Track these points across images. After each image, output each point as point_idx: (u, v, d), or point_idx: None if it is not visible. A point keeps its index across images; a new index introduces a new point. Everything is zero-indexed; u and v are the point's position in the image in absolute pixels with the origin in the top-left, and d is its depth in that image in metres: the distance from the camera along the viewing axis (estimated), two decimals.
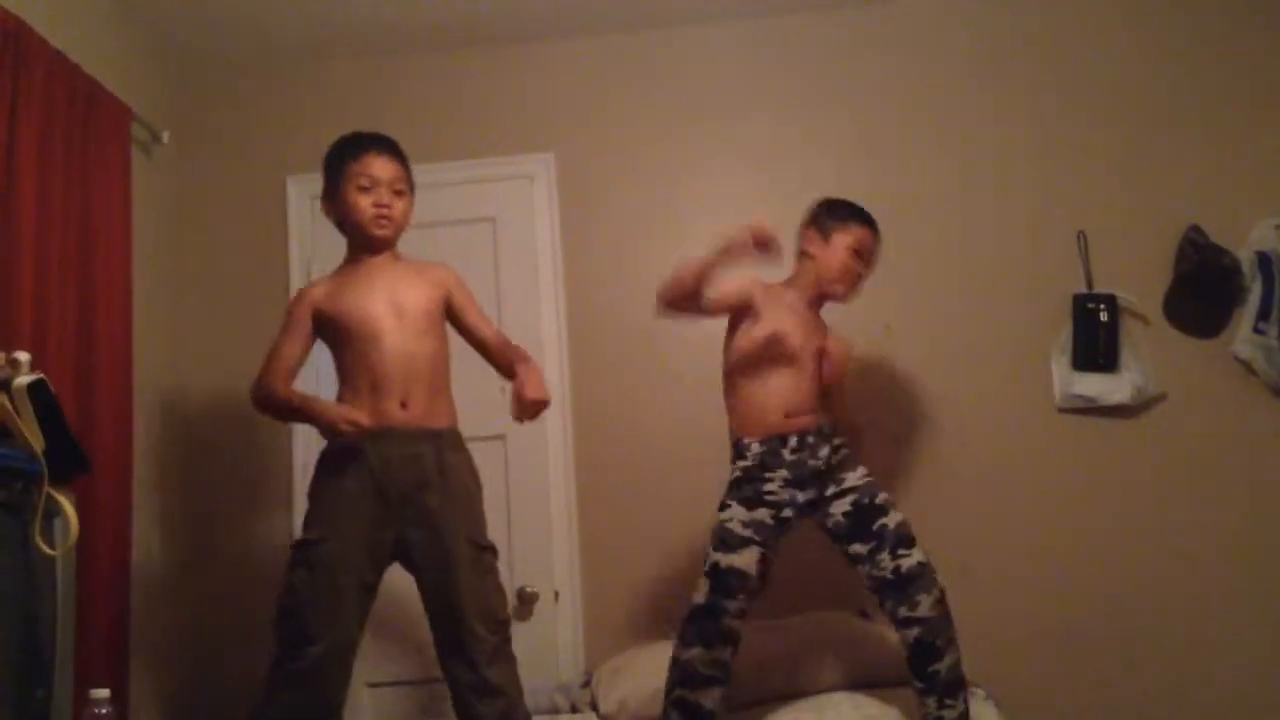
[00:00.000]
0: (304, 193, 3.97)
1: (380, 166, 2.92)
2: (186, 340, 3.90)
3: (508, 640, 2.79)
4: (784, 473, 2.88)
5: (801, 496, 2.89)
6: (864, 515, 2.85)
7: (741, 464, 2.93)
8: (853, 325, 3.77)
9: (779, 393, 2.96)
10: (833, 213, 3.11)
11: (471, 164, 3.98)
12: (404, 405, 2.81)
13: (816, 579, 3.39)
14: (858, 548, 2.85)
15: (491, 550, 2.84)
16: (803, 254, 3.12)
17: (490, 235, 3.93)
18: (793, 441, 2.91)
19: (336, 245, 3.95)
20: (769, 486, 2.87)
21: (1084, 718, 3.35)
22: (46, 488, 2.17)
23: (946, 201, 3.86)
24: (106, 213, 3.28)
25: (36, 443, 2.16)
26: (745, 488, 2.89)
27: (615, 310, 3.88)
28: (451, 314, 3.03)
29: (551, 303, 3.90)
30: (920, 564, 2.79)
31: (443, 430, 2.86)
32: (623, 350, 3.86)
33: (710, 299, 2.93)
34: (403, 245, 3.06)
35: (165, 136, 3.74)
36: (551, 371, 3.83)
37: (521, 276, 3.91)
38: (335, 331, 2.90)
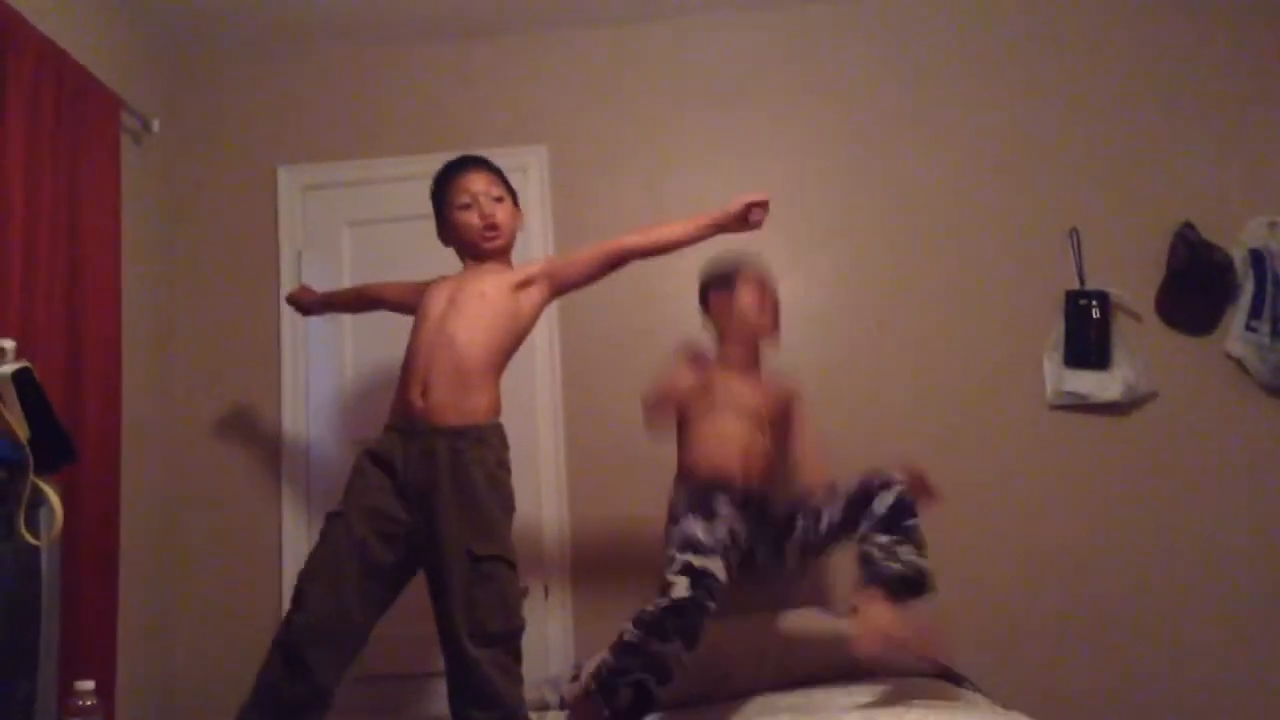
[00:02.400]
0: (294, 182, 3.97)
1: (472, 180, 3.02)
2: (176, 329, 3.88)
3: (507, 654, 2.67)
4: (729, 496, 2.92)
5: (743, 525, 2.91)
6: (825, 532, 2.87)
7: (688, 485, 3.01)
8: (845, 322, 3.79)
9: (728, 441, 3.07)
10: (713, 286, 3.33)
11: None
12: (423, 395, 2.79)
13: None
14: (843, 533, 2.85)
15: (495, 560, 2.68)
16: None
17: None
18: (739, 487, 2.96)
19: (328, 235, 3.96)
20: (718, 504, 2.88)
21: (1075, 712, 3.34)
22: (32, 477, 2.15)
23: (939, 198, 3.86)
24: (96, 201, 3.25)
25: (21, 431, 2.15)
26: (696, 502, 2.90)
27: (607, 303, 3.85)
28: (555, 285, 3.07)
29: None
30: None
31: (463, 427, 2.77)
32: (615, 344, 3.85)
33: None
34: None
35: (155, 125, 3.70)
36: (542, 365, 3.83)
37: None
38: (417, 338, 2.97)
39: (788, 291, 3.82)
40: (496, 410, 2.87)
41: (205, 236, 3.97)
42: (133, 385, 3.40)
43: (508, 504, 2.80)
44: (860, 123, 3.94)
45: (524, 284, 2.98)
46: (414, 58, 4.06)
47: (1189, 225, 3.68)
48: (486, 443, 2.79)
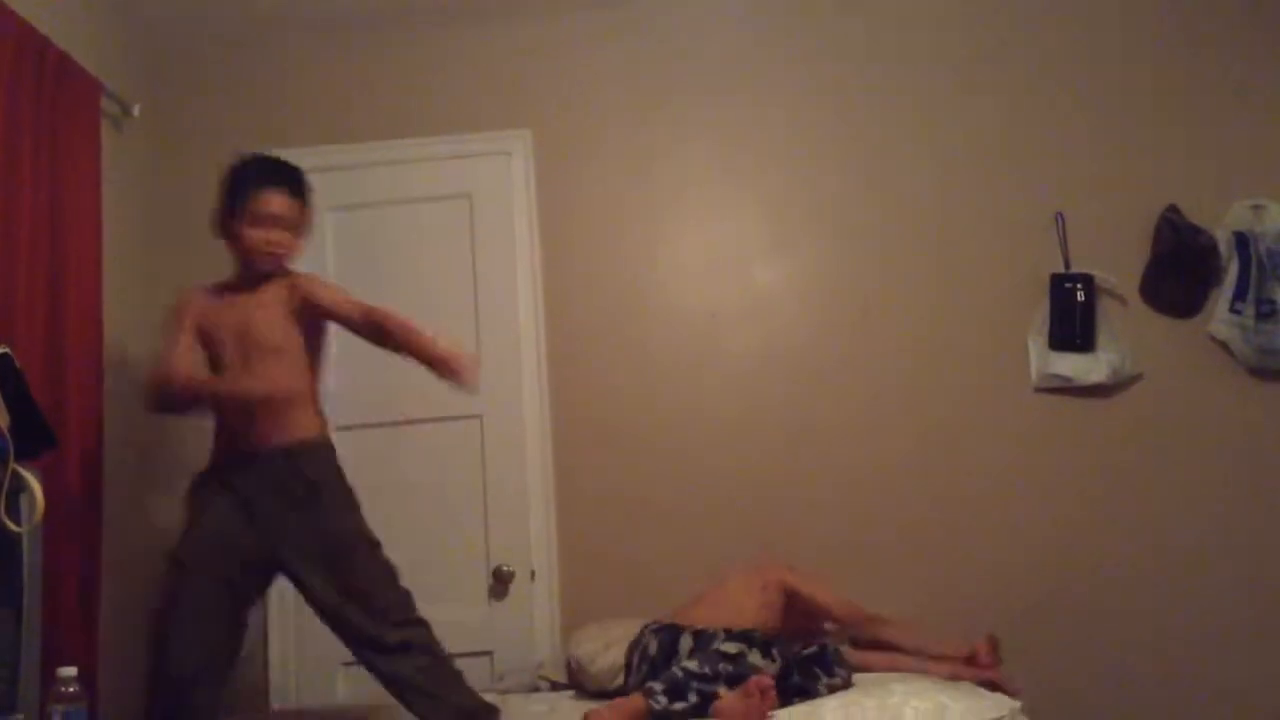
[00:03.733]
0: None
1: (275, 203, 2.93)
2: (157, 314, 3.83)
3: (406, 620, 2.83)
4: None
5: None
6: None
7: None
8: (831, 306, 3.79)
9: None
10: None
11: (448, 139, 3.94)
12: (255, 430, 2.85)
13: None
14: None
15: (362, 545, 2.85)
16: None
17: (466, 212, 3.89)
18: None
19: None
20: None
21: (1060, 694, 3.35)
22: (12, 464, 2.14)
23: (925, 182, 3.85)
24: (76, 187, 3.23)
25: (1, 418, 2.14)
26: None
27: (593, 288, 3.86)
28: (310, 310, 2.96)
29: (528, 280, 3.87)
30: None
31: (291, 445, 2.86)
32: (600, 329, 3.85)
33: None
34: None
35: (136, 110, 3.68)
36: (528, 349, 3.82)
37: (498, 253, 3.88)
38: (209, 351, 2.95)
39: (775, 276, 3.84)
40: (324, 424, 2.98)
41: (187, 221, 3.91)
42: (115, 371, 3.38)
43: (351, 500, 2.92)
44: (847, 108, 3.92)
45: (289, 316, 2.94)
46: (396, 42, 4.03)
47: (1174, 208, 3.68)
48: (318, 449, 2.91)
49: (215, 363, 2.93)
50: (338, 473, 2.91)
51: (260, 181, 2.95)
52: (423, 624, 2.84)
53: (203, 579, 2.79)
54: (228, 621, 2.84)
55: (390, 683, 2.78)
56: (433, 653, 2.82)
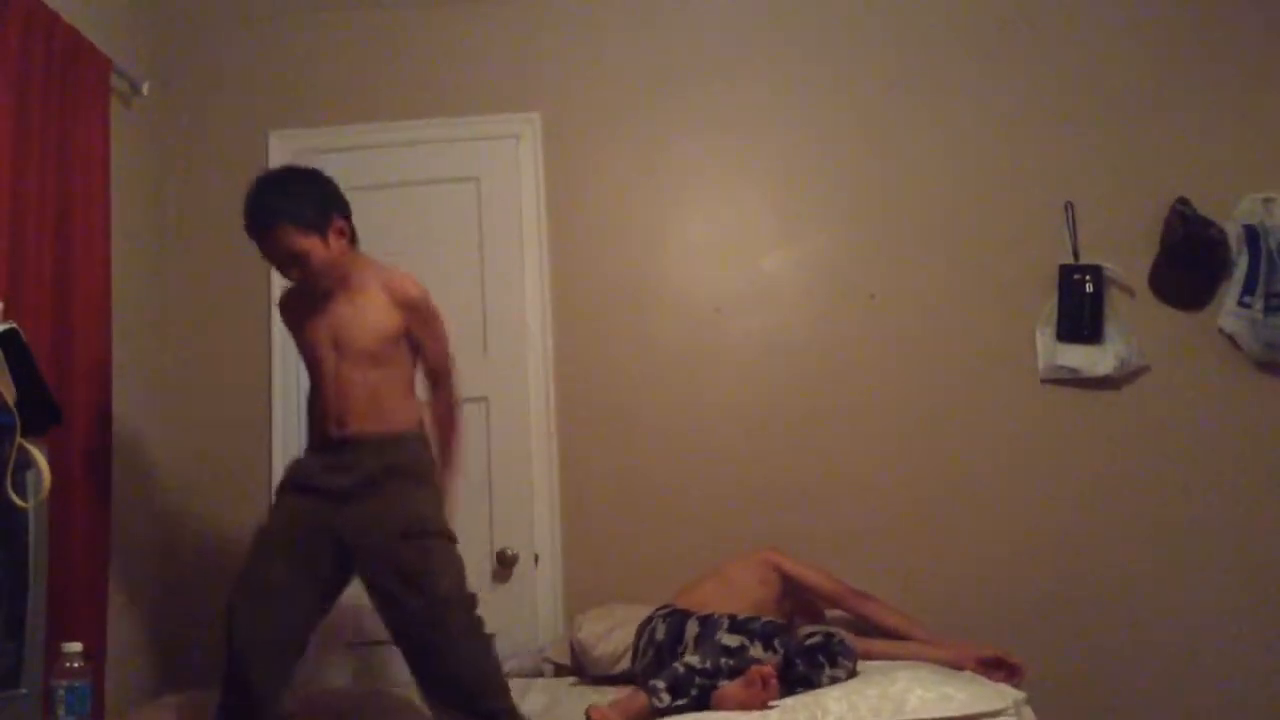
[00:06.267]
0: (286, 147, 3.91)
1: (267, 252, 2.78)
2: (166, 292, 3.86)
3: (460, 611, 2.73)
4: None
5: None
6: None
7: None
8: (839, 295, 3.78)
9: None
10: None
11: (456, 122, 3.93)
12: (340, 424, 2.76)
13: None
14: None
15: (435, 535, 2.74)
16: None
17: (474, 195, 3.88)
18: None
19: None
20: None
21: (1064, 685, 3.35)
22: (19, 439, 2.15)
23: (934, 171, 3.84)
24: (85, 164, 3.23)
25: (8, 393, 2.14)
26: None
27: (600, 272, 3.86)
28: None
29: (535, 264, 3.86)
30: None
31: (384, 435, 2.76)
32: (606, 313, 3.84)
33: None
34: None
35: (145, 88, 3.67)
36: (535, 334, 3.83)
37: (505, 237, 3.87)
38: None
39: (783, 264, 3.84)
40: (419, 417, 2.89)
41: (196, 200, 3.94)
42: (122, 347, 3.38)
43: (432, 492, 2.84)
44: (857, 95, 3.91)
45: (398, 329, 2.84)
46: (407, 22, 4.01)
47: (1184, 200, 3.67)
48: (405, 443, 2.81)
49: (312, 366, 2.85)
50: (424, 463, 2.83)
51: (248, 234, 2.77)
52: (485, 633, 2.76)
53: (284, 557, 2.71)
54: (303, 604, 2.74)
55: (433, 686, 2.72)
56: (486, 657, 2.75)
